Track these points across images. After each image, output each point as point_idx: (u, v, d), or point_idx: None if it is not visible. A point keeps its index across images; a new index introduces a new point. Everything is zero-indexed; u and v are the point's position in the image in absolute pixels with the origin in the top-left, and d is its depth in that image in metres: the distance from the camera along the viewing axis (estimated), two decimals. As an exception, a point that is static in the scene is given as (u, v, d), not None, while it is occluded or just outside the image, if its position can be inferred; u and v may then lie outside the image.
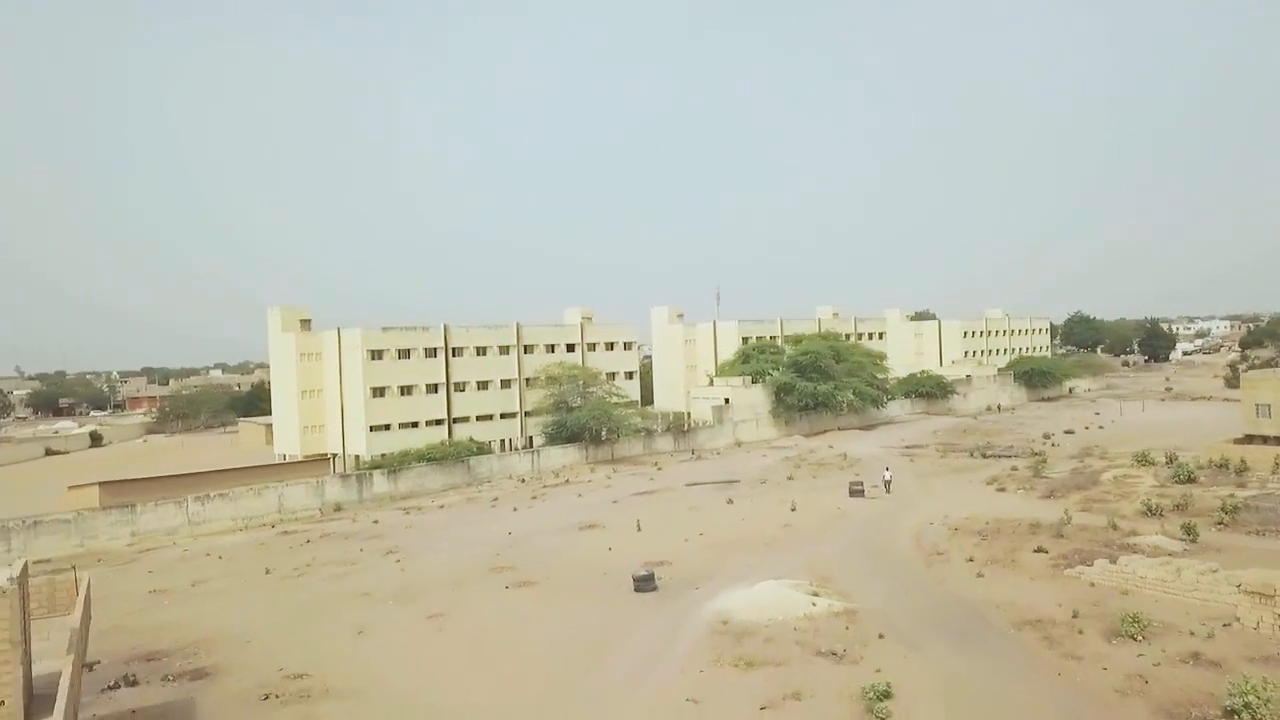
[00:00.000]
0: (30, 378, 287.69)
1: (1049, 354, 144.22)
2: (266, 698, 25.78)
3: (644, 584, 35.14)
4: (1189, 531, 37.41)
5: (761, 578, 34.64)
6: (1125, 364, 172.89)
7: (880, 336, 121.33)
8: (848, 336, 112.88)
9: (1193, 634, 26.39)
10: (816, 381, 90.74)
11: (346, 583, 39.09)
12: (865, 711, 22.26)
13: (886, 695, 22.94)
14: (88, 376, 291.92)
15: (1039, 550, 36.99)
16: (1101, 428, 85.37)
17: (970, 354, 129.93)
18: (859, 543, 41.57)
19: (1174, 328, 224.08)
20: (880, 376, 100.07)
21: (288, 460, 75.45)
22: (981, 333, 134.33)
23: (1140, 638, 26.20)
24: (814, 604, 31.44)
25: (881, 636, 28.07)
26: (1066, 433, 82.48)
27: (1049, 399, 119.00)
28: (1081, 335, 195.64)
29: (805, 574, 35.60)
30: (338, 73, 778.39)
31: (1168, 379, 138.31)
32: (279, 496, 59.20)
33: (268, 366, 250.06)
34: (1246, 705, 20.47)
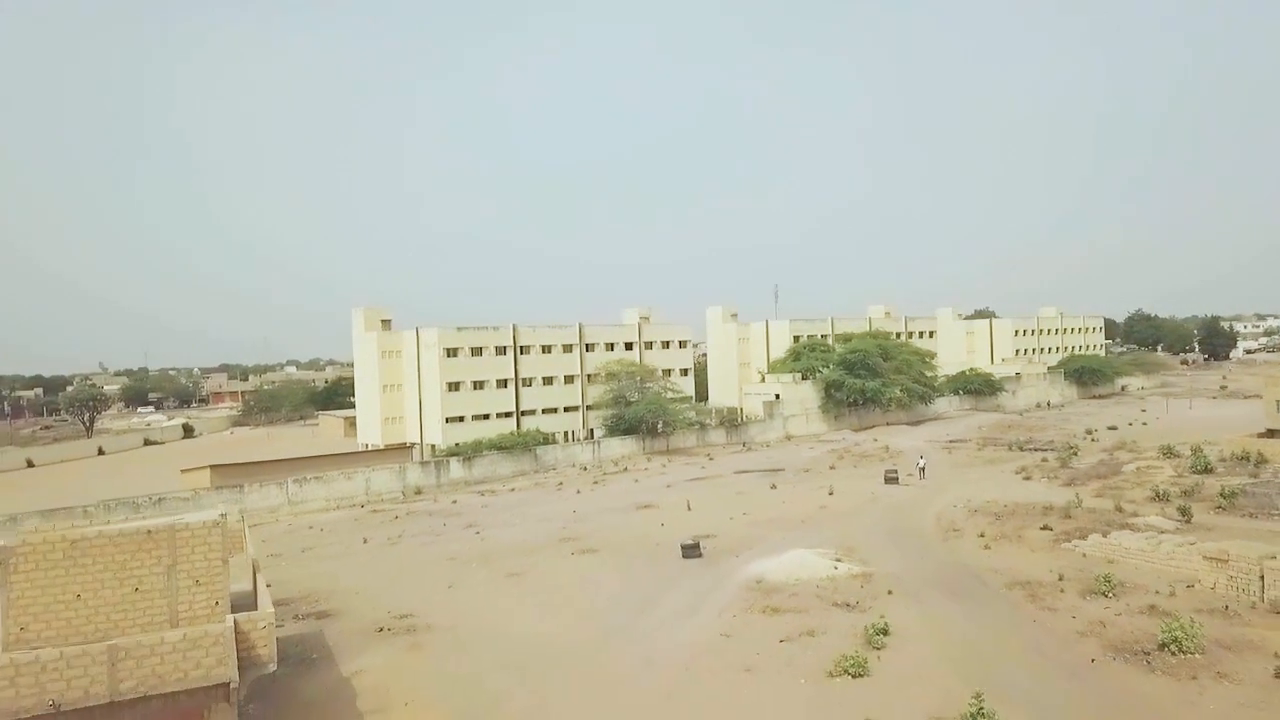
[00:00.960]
0: (117, 373, 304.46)
1: (1103, 352, 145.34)
2: (380, 630, 31.83)
3: (690, 551, 40.53)
4: (1184, 513, 41.37)
5: (793, 548, 39.72)
6: (1184, 362, 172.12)
7: (930, 335, 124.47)
8: (898, 335, 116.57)
9: (1157, 593, 30.81)
10: (865, 378, 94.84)
11: (434, 549, 45.25)
12: (865, 644, 27.27)
13: (884, 632, 27.95)
14: (170, 372, 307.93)
15: (1044, 528, 41.36)
16: (1145, 424, 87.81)
17: (1021, 352, 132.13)
18: (885, 522, 46.31)
19: (1236, 326, 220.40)
20: (928, 374, 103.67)
21: (371, 449, 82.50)
22: (1033, 331, 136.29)
23: (1110, 595, 30.72)
24: (836, 568, 36.48)
25: (890, 592, 33.01)
26: (1109, 428, 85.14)
27: (1099, 396, 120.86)
28: (1142, 333, 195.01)
29: (832, 545, 40.56)
30: (347, 74, 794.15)
31: (1224, 377, 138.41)
32: (366, 480, 65.90)
33: (339, 363, 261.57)
34: (1175, 639, 25.04)
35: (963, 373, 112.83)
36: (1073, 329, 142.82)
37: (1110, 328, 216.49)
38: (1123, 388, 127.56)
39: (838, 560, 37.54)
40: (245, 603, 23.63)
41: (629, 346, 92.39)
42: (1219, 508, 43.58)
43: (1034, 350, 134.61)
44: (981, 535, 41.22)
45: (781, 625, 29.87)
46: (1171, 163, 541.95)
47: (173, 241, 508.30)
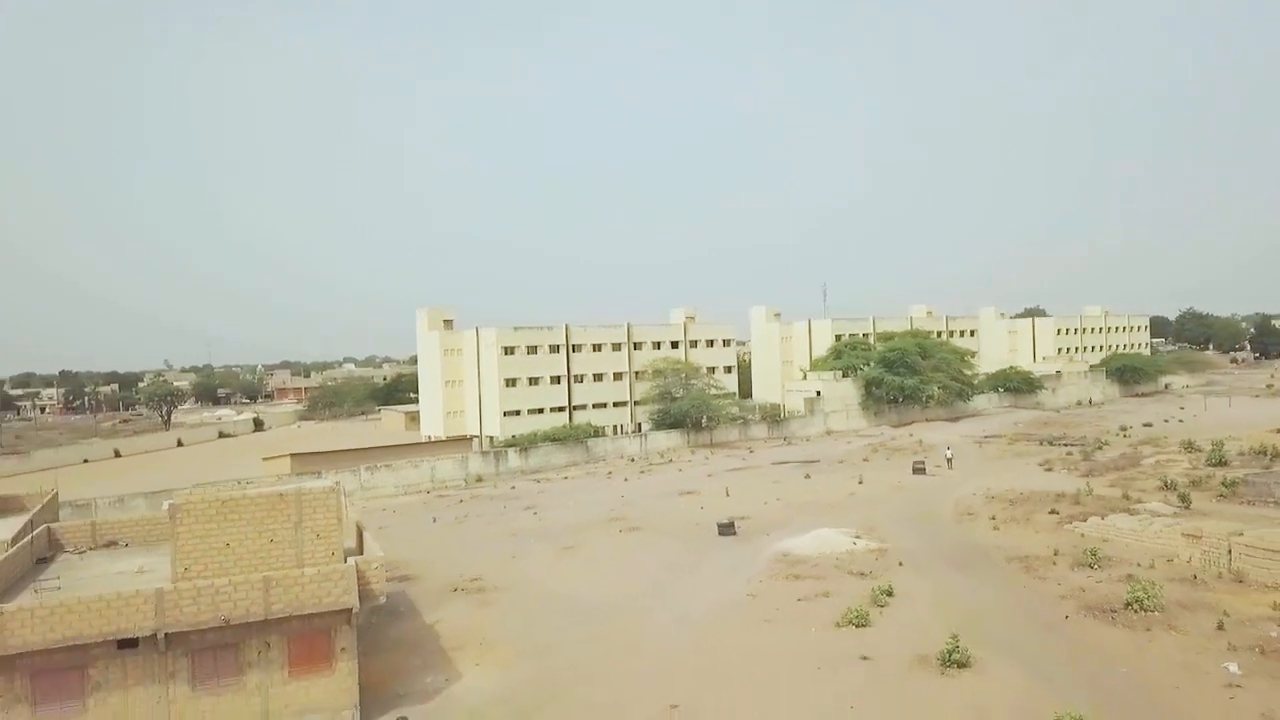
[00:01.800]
0: (184, 370, 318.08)
1: (1148, 351, 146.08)
2: (454, 590, 37.00)
3: (726, 529, 45.11)
4: (1184, 500, 44.79)
5: (818, 528, 44.06)
6: (1233, 361, 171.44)
7: (971, 334, 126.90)
8: (939, 334, 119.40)
9: (1138, 565, 34.62)
10: (904, 376, 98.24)
11: (497, 527, 50.45)
12: (871, 602, 31.60)
13: (889, 594, 32.29)
14: (234, 369, 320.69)
15: (1052, 512, 45.08)
16: (1181, 421, 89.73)
17: (1064, 351, 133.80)
18: (907, 507, 50.34)
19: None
20: (966, 372, 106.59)
21: (434, 440, 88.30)
22: (1076, 330, 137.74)
23: (1095, 567, 34.60)
24: (855, 544, 40.78)
25: (901, 564, 37.27)
26: (1145, 425, 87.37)
27: (1142, 395, 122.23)
28: (1193, 331, 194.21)
29: (855, 526, 44.81)
30: (348, 73, 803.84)
31: (1273, 376, 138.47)
32: (432, 469, 71.51)
33: (396, 361, 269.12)
34: (1138, 599, 29.00)
35: (1002, 371, 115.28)
36: (1117, 328, 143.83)
37: (1160, 326, 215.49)
38: (1166, 386, 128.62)
39: (857, 538, 41.82)
40: (351, 556, 28.82)
41: (675, 345, 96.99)
42: (1220, 496, 46.82)
43: (1077, 349, 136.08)
44: (993, 518, 45.12)
45: (801, 589, 34.34)
46: (1171, 162, 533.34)
47: (173, 241, 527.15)
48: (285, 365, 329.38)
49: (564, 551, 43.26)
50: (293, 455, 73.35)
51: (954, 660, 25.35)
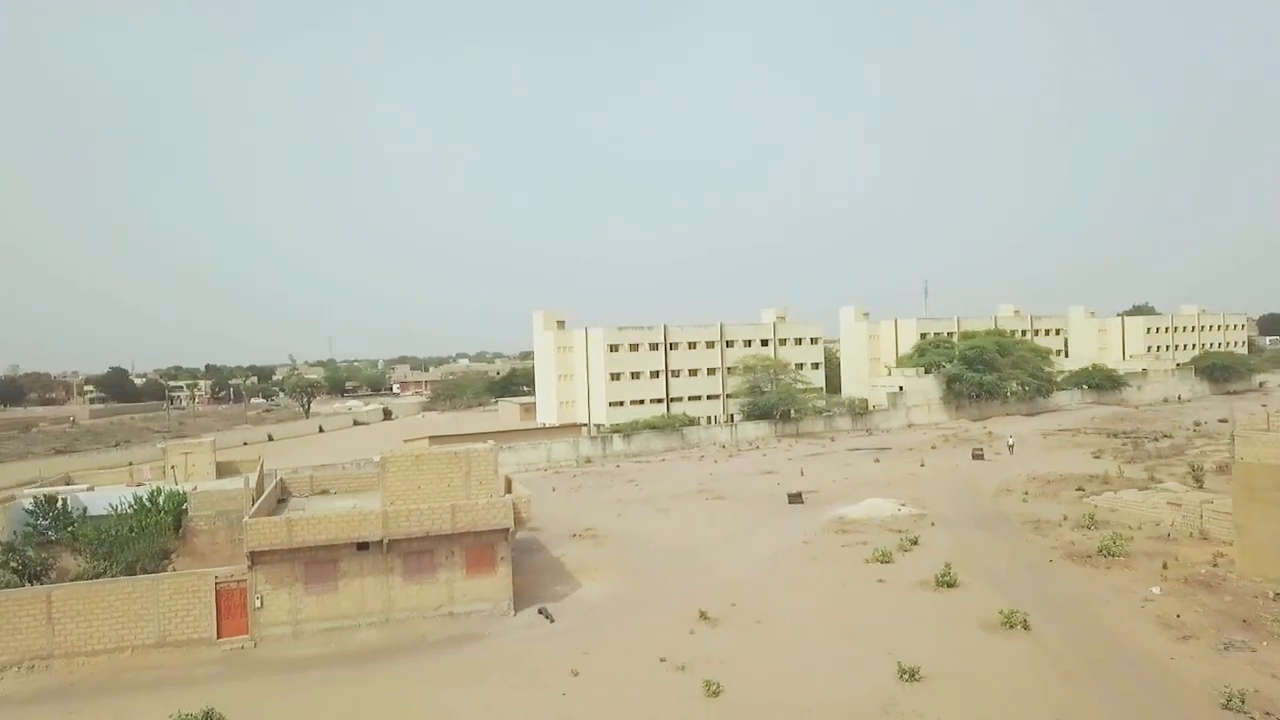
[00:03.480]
0: (310, 365, 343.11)
1: (1245, 350, 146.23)
2: (573, 536, 47.25)
3: (794, 499, 54.06)
4: (1197, 480, 51.27)
5: (872, 498, 52.52)
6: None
7: (1056, 332, 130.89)
8: (1023, 333, 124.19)
9: (1128, 527, 42.07)
10: (982, 373, 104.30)
11: (605, 495, 60.65)
12: (898, 549, 40.16)
13: (914, 543, 40.85)
14: (355, 364, 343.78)
15: (1079, 489, 52.34)
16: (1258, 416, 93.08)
17: (1154, 349, 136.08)
18: (956, 485, 58.13)
19: None
20: (1046, 369, 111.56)
21: (548, 426, 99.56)
22: (1167, 329, 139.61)
23: (1091, 528, 42.21)
24: (899, 510, 49.20)
25: (933, 524, 45.63)
26: (1220, 421, 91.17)
27: (1233, 393, 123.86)
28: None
29: (905, 498, 53.05)
30: (349, 72, 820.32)
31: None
32: (548, 450, 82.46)
33: (507, 356, 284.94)
34: (1107, 548, 36.82)
35: (1085, 368, 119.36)
36: (1211, 326, 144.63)
37: (1273, 323, 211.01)
38: (1260, 384, 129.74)
39: (902, 505, 50.20)
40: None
41: (764, 343, 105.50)
42: (1237, 478, 52.96)
43: (1167, 347, 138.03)
44: (1025, 494, 52.69)
45: (846, 540, 43.18)
46: (1172, 161, 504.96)
47: (300, 248, 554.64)
48: (403, 360, 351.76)
49: (659, 513, 53.09)
50: (430, 437, 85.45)
51: (945, 582, 33.96)
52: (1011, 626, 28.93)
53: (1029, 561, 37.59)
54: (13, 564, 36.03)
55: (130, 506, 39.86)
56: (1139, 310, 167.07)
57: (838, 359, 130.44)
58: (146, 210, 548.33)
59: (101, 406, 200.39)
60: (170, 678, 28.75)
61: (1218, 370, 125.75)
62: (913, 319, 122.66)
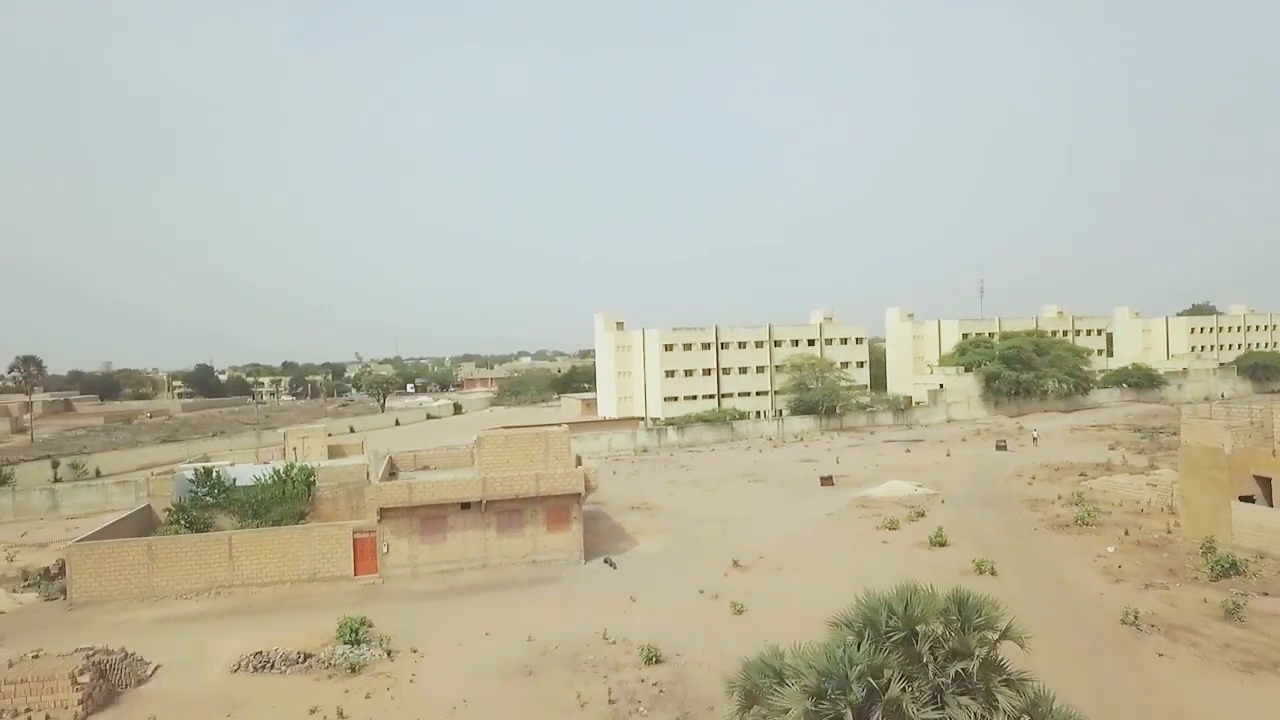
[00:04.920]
0: (381, 362, 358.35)
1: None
2: (631, 508, 55.39)
3: (826, 481, 61.41)
4: (1189, 467, 57.25)
5: (893, 480, 59.61)
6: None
7: (1099, 333, 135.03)
8: (1065, 334, 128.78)
9: (1111, 505, 48.62)
10: (1019, 371, 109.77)
11: (659, 478, 68.68)
12: (906, 519, 47.38)
13: (921, 515, 48.11)
14: (421, 361, 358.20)
15: (1081, 475, 58.73)
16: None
17: (1197, 349, 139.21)
18: (974, 471, 64.79)
19: None
20: (1084, 368, 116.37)
21: (608, 419, 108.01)
22: (1212, 329, 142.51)
23: (1078, 504, 48.79)
24: (916, 490, 56.25)
25: (943, 502, 52.66)
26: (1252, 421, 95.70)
27: (1275, 392, 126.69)
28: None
29: (923, 481, 60.00)
30: (350, 71, 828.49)
31: None
32: (608, 440, 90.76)
33: (566, 355, 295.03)
34: (1082, 519, 43.63)
35: (1124, 367, 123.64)
36: (1259, 326, 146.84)
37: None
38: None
39: (919, 486, 57.25)
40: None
41: (811, 343, 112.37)
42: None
43: (1213, 347, 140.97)
44: (1032, 478, 59.28)
45: (865, 513, 50.53)
46: (1171, 161, 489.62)
47: (367, 257, 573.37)
48: (468, 358, 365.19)
49: (705, 492, 60.95)
50: (504, 427, 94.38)
51: (937, 542, 41.25)
52: (981, 573, 36.15)
53: (1016, 530, 44.58)
54: (182, 521, 45.50)
55: (271, 478, 49.07)
56: (1198, 310, 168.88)
57: (883, 357, 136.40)
58: (236, 223, 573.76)
59: (190, 401, 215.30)
60: (322, 603, 37.51)
61: (1260, 369, 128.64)
62: (954, 320, 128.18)
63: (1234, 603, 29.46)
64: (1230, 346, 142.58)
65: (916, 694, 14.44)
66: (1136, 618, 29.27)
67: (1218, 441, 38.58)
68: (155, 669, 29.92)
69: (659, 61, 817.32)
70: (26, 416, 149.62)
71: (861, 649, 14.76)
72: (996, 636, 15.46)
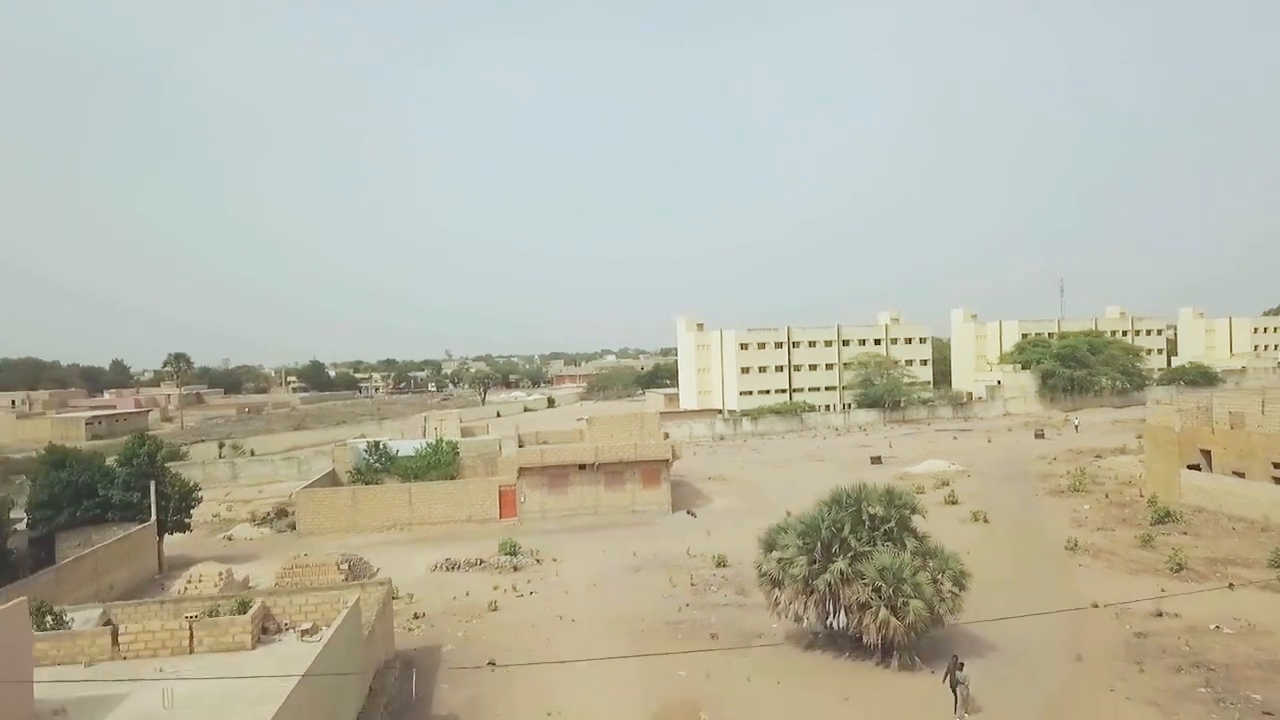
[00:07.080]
0: (475, 359, 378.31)
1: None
2: (709, 479, 67.55)
3: (876, 460, 72.50)
4: (1191, 451, 66.39)
5: (931, 459, 70.25)
6: None
7: (1159, 333, 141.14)
8: (1124, 334, 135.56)
9: (1107, 478, 58.59)
10: (1073, 369, 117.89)
11: (733, 459, 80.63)
12: (933, 487, 58.28)
13: (946, 484, 58.95)
14: (513, 359, 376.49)
15: (1097, 456, 68.40)
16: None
17: (1259, 348, 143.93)
18: (1007, 453, 74.85)
19: None
20: (1138, 366, 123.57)
21: (689, 411, 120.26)
22: (1277, 329, 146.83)
23: (1083, 476, 58.85)
24: (949, 467, 66.91)
25: (969, 476, 63.29)
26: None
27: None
28: None
29: (960, 461, 70.45)
30: (349, 70, 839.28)
31: None
32: (689, 428, 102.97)
33: (649, 353, 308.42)
34: (1074, 487, 53.98)
35: (1181, 366, 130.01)
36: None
37: None
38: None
39: (951, 464, 67.88)
40: (662, 447, 59.99)
41: (877, 342, 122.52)
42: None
43: (1276, 346, 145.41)
44: (1054, 459, 69.22)
45: (900, 483, 61.31)
46: (1169, 160, 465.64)
47: (459, 263, 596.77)
48: (556, 355, 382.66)
49: (772, 468, 72.73)
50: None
51: (950, 501, 52.28)
52: (976, 520, 47.22)
53: (1021, 495, 55.22)
54: (360, 480, 59.48)
55: (427, 449, 62.78)
56: (1271, 312, 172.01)
57: (946, 355, 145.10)
58: (313, 223, 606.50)
59: (305, 394, 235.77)
60: (479, 535, 50.72)
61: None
62: (1015, 320, 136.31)
63: (1148, 535, 40.08)
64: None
65: (859, 538, 26.50)
66: (1076, 545, 40.14)
67: (1171, 422, 48.69)
68: (378, 570, 43.43)
69: (731, 62, 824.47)
70: (172, 407, 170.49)
71: (830, 513, 26.83)
72: (909, 511, 27.33)
